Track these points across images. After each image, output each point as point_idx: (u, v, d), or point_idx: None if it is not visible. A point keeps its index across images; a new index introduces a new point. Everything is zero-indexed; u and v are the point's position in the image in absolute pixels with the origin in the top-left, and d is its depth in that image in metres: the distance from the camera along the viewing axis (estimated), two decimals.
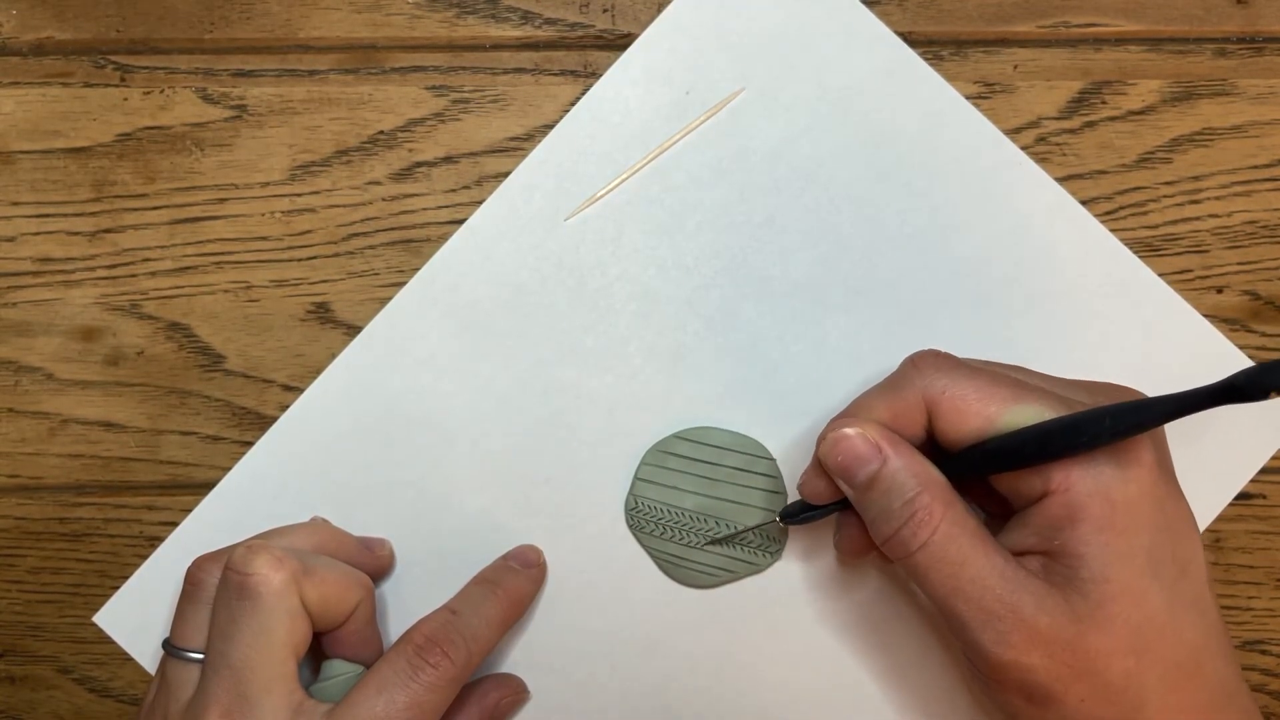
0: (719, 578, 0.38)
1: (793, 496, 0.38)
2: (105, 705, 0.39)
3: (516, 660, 0.38)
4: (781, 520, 0.35)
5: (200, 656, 0.32)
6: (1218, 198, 0.38)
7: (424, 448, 0.38)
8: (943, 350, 0.33)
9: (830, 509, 0.34)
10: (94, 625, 0.39)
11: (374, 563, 0.37)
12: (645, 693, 0.38)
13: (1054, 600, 0.29)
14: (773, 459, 0.38)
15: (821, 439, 0.33)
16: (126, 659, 0.39)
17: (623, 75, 0.38)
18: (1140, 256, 0.38)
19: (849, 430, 0.32)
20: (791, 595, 0.38)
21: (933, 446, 0.32)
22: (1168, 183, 0.38)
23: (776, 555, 0.38)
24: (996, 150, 0.38)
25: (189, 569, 0.34)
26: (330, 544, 0.36)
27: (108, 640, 0.39)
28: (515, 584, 0.36)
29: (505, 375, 0.38)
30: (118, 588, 0.39)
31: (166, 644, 0.33)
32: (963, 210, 0.38)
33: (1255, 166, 0.38)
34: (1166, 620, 0.30)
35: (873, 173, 0.38)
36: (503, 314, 0.38)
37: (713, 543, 0.37)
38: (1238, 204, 0.38)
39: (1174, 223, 0.38)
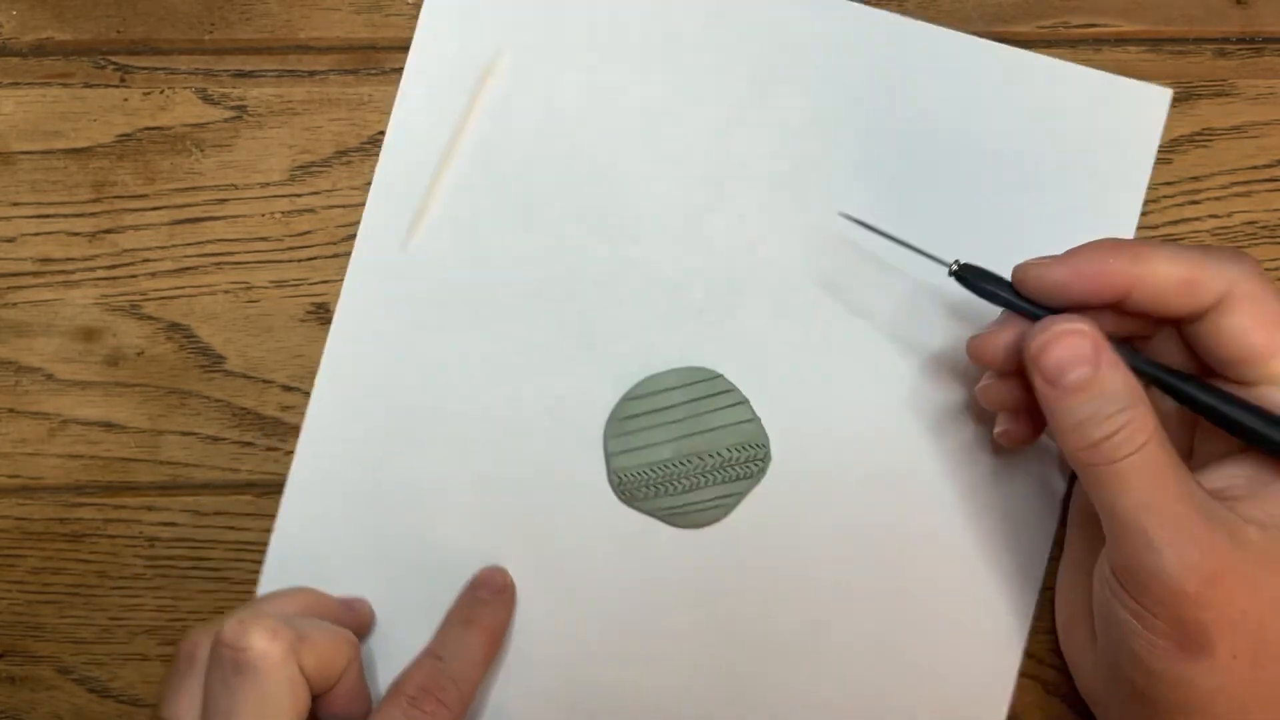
0: (726, 506, 0.37)
1: (759, 412, 0.38)
2: (105, 705, 0.39)
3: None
4: (959, 273, 0.33)
5: None
6: (1217, 198, 0.38)
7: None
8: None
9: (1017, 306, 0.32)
10: (94, 625, 0.39)
11: (355, 620, 0.37)
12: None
13: (1246, 538, 0.28)
14: (719, 375, 0.38)
15: (1040, 330, 0.30)
16: (126, 659, 0.39)
17: (415, 87, 0.38)
18: None
19: (1079, 325, 0.30)
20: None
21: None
22: (1167, 183, 0.38)
23: (767, 459, 0.37)
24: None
25: (182, 643, 0.33)
26: (315, 607, 0.36)
27: (108, 640, 0.39)
28: (491, 616, 0.36)
29: (460, 396, 0.38)
30: (118, 588, 0.39)
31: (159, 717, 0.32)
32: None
33: (1255, 167, 0.38)
34: None
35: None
36: (432, 338, 0.38)
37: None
38: (1237, 204, 0.38)
39: (1174, 223, 0.38)
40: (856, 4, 0.38)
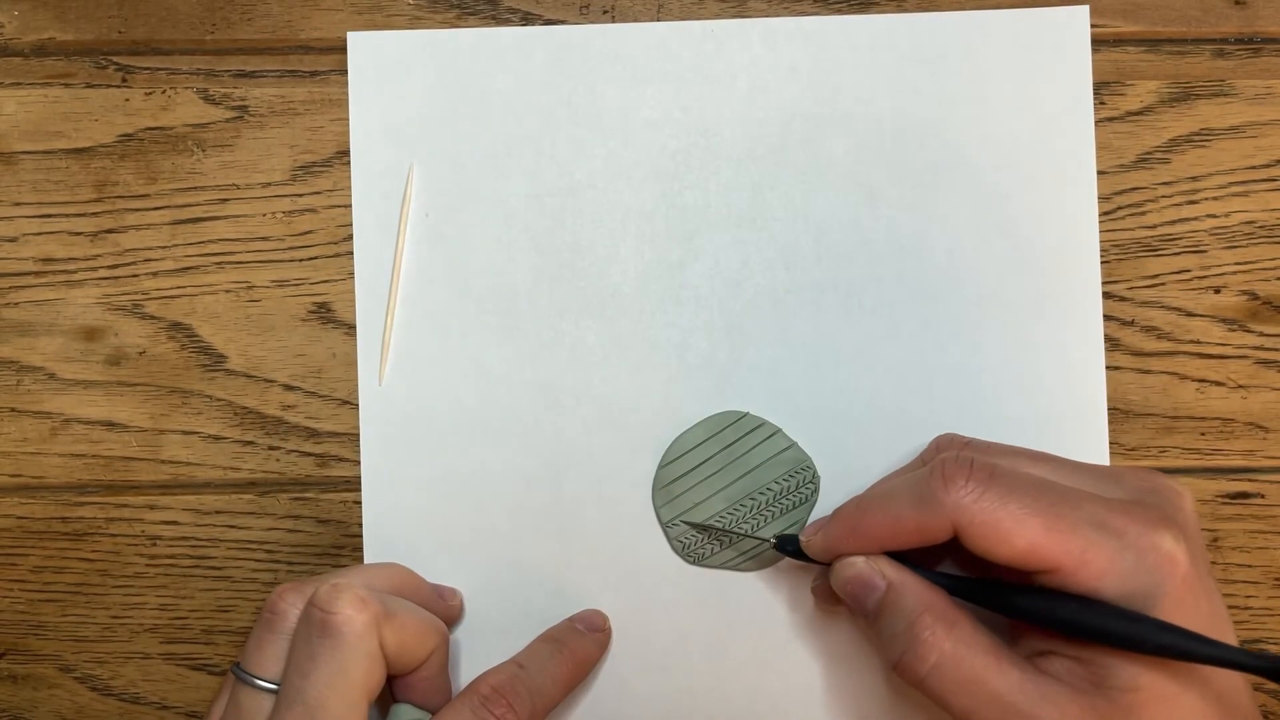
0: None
1: (780, 423, 0.38)
2: (107, 704, 0.39)
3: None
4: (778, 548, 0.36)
5: (273, 686, 0.32)
6: (1215, 198, 0.39)
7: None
8: (972, 455, 0.32)
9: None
10: (96, 624, 0.39)
11: (445, 610, 0.37)
12: None
13: (1078, 707, 0.29)
14: (745, 413, 0.38)
15: (832, 566, 0.33)
16: (128, 658, 0.39)
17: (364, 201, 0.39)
18: (1138, 257, 0.38)
19: (857, 560, 0.32)
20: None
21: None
22: (1165, 183, 0.39)
23: (816, 479, 0.37)
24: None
25: (270, 598, 0.33)
26: (407, 587, 0.36)
27: (109, 639, 0.39)
28: (581, 646, 0.37)
29: (500, 501, 0.38)
30: (120, 587, 0.39)
31: (238, 669, 0.33)
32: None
33: (1253, 167, 0.38)
34: None
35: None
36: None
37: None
38: (1235, 204, 0.39)
39: (1172, 223, 0.39)
40: (765, 19, 0.38)
